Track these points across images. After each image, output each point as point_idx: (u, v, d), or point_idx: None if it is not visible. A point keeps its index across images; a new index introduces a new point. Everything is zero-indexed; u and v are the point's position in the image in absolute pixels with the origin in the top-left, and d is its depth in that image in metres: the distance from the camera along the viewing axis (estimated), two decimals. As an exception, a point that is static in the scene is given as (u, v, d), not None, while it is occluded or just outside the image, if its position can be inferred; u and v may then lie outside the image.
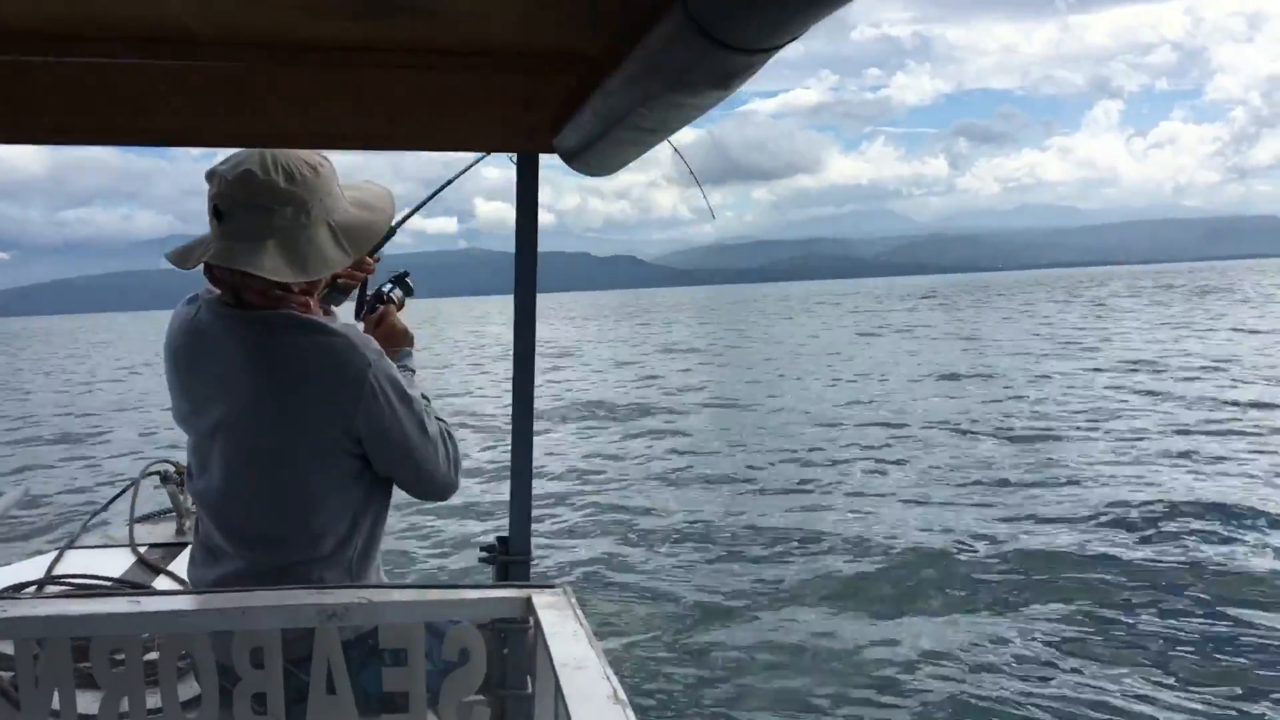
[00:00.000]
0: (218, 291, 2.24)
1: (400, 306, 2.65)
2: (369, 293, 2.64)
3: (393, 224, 2.56)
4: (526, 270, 2.40)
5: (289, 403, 2.15)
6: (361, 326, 2.47)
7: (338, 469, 2.19)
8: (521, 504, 2.45)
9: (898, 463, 11.90)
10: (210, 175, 2.17)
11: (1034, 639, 6.05)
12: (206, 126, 2.18)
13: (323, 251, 2.19)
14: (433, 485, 2.34)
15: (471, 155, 2.65)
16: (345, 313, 2.52)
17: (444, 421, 2.38)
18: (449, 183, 2.97)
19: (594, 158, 2.03)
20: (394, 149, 2.33)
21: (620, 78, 1.57)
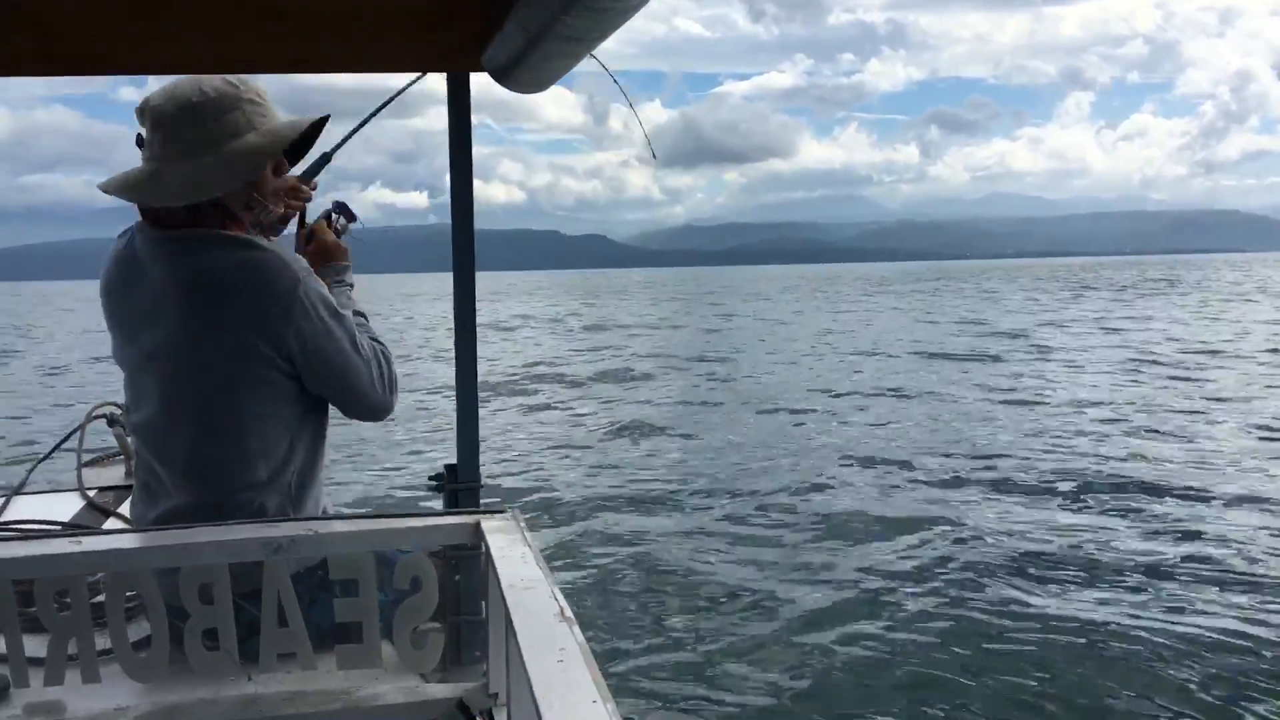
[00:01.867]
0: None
1: (342, 232, 2.59)
2: (309, 222, 2.56)
3: (330, 149, 2.57)
4: (463, 197, 2.36)
5: (217, 322, 2.11)
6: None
7: (270, 390, 2.16)
8: (468, 431, 2.43)
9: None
10: (142, 108, 2.15)
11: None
12: (116, 52, 2.12)
13: (215, 175, 2.12)
14: (366, 404, 2.30)
15: (405, 77, 2.57)
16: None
17: (380, 342, 2.35)
18: (387, 102, 2.87)
19: (524, 73, 1.98)
20: (314, 71, 2.27)
21: None
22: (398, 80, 2.51)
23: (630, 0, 1.39)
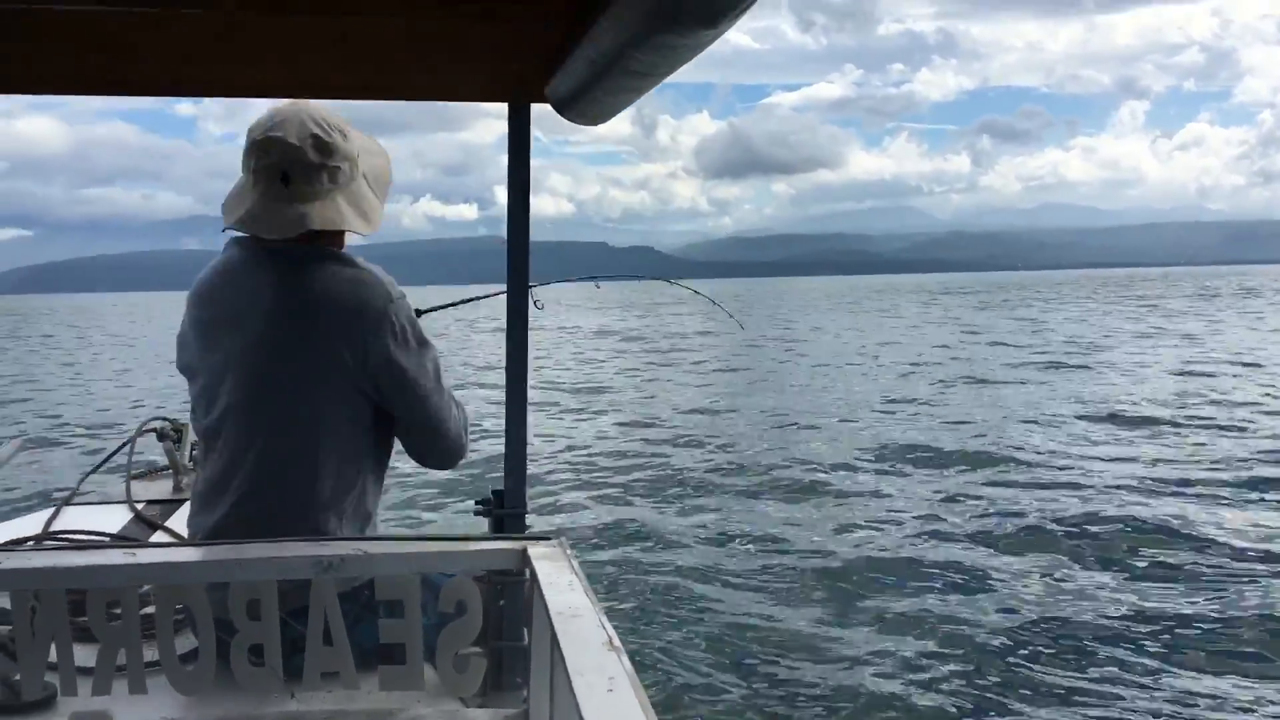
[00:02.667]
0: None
1: None
2: None
3: (424, 308, 2.68)
4: (519, 224, 2.37)
5: (307, 331, 2.14)
6: None
7: (348, 409, 2.18)
8: (516, 458, 2.44)
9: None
10: (265, 142, 2.14)
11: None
12: (189, 76, 2.15)
13: (372, 201, 2.26)
14: (441, 439, 2.32)
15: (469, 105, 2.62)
16: None
17: (453, 392, 2.38)
18: (468, 301, 3.60)
19: (587, 105, 1.99)
20: (382, 99, 2.30)
21: (608, 21, 1.55)
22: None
23: (700, 38, 1.39)
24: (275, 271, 2.17)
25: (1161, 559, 7.21)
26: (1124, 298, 67.55)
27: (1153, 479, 9.84)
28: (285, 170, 2.13)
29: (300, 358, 2.14)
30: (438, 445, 2.32)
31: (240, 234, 2.25)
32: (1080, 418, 13.92)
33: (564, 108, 2.13)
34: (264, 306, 2.15)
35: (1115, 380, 18.56)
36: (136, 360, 30.51)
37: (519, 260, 2.40)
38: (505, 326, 2.42)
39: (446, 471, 2.76)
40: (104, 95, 2.20)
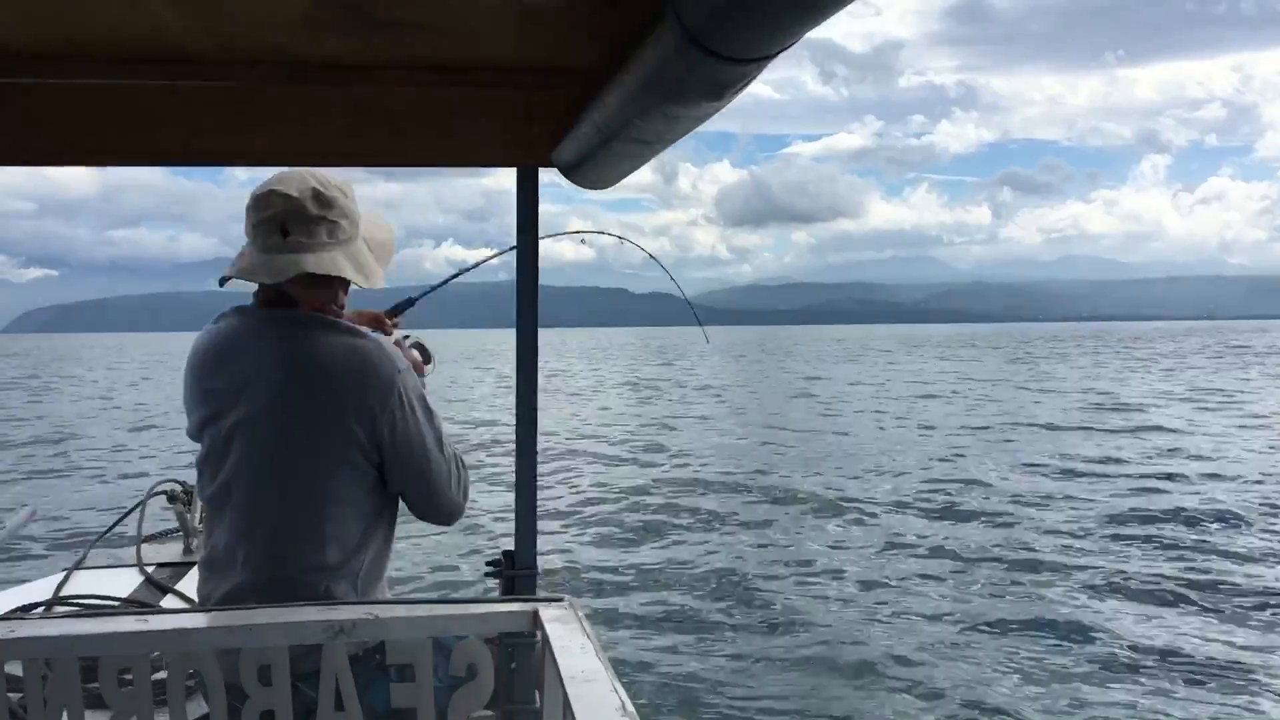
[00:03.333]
0: (248, 305, 2.26)
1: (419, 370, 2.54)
2: None
3: (417, 295, 2.77)
4: (528, 285, 2.39)
5: (314, 400, 2.13)
6: None
7: (354, 475, 2.16)
8: (527, 518, 2.45)
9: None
10: (266, 196, 2.13)
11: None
12: (205, 145, 2.19)
13: (371, 262, 2.25)
14: (441, 504, 2.30)
15: (486, 250, 2.70)
16: None
17: (456, 449, 2.35)
18: (469, 269, 3.16)
19: (592, 171, 2.04)
20: (394, 165, 2.33)
21: (616, 91, 1.59)
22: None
23: (705, 109, 1.42)
24: (279, 339, 2.16)
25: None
26: (1160, 354, 66.15)
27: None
28: (284, 222, 2.11)
29: (307, 428, 2.13)
30: (435, 503, 2.30)
31: (240, 304, 2.26)
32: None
33: (570, 173, 2.16)
34: (269, 375, 2.14)
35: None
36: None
37: (528, 316, 2.41)
38: (515, 390, 2.42)
39: (455, 527, 2.43)
40: (122, 165, 2.21)
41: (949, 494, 13.01)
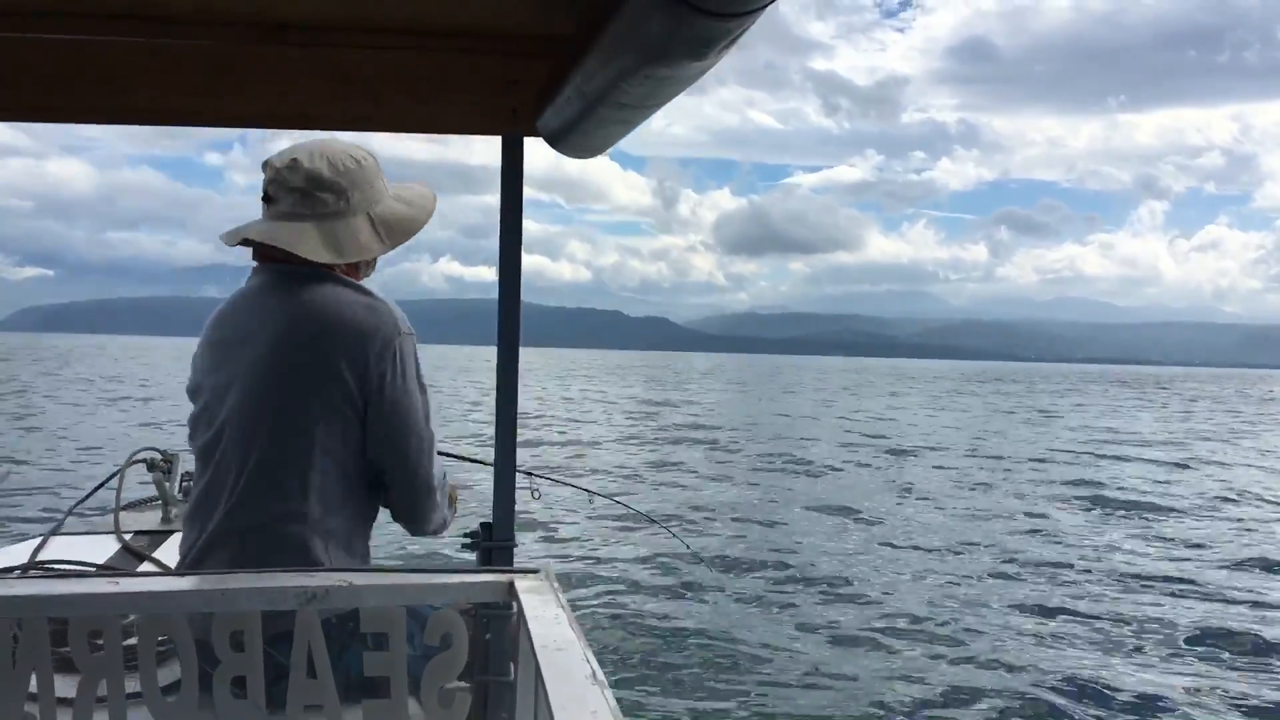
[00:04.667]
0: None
1: None
2: None
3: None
4: (511, 261, 2.36)
5: (313, 346, 2.15)
6: None
7: (342, 427, 2.17)
8: (504, 491, 2.42)
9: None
10: (265, 164, 2.23)
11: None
12: (185, 105, 2.19)
13: (359, 238, 2.24)
14: (421, 492, 2.28)
15: (462, 141, 2.97)
16: None
17: (443, 468, 2.39)
18: None
19: (578, 139, 2.02)
20: (376, 130, 2.31)
21: (598, 54, 1.57)
22: (459, 141, 2.64)
23: (689, 70, 1.40)
24: (289, 293, 2.20)
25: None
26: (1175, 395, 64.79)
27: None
28: (267, 190, 2.21)
29: (302, 371, 2.15)
30: (415, 496, 2.29)
31: (265, 260, 2.29)
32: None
33: (555, 140, 2.14)
34: (273, 324, 2.18)
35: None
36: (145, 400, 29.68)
37: (510, 296, 2.38)
38: (495, 364, 2.39)
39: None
40: (97, 124, 2.19)
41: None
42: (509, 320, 2.40)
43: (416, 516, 2.36)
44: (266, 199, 2.23)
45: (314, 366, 2.16)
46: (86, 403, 31.56)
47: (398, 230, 2.34)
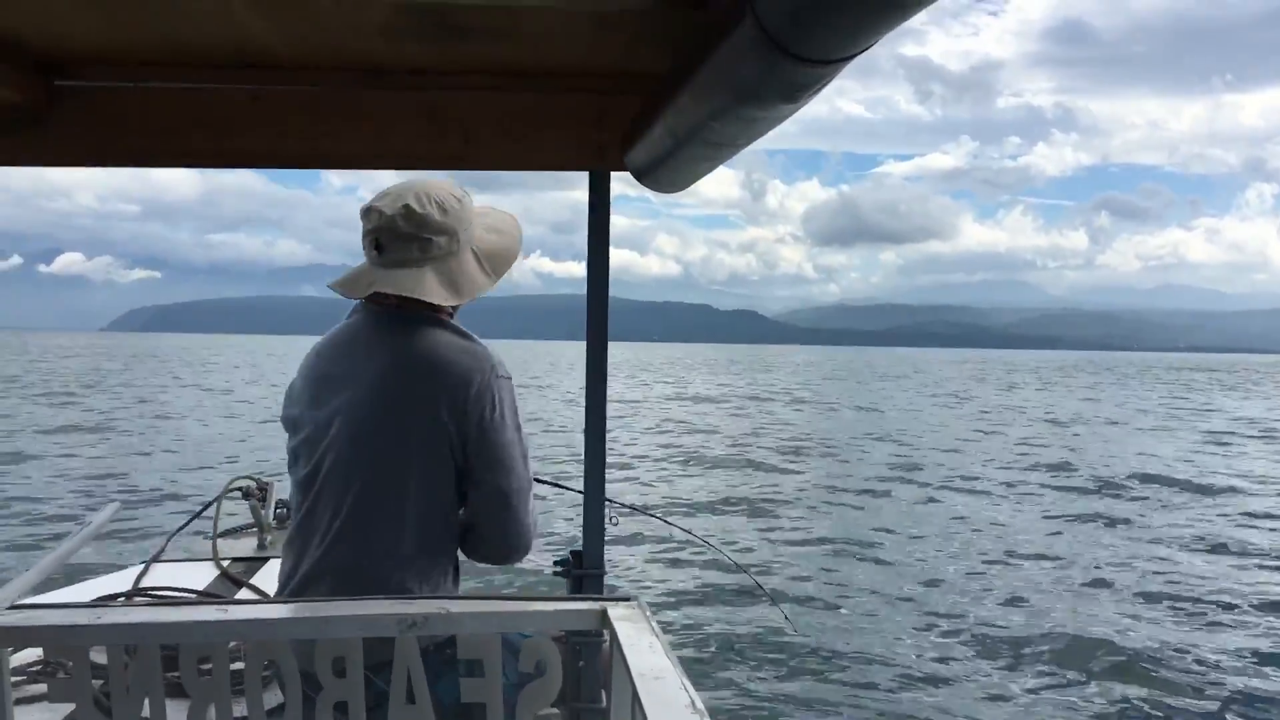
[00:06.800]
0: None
1: None
2: None
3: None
4: (599, 290, 2.42)
5: (411, 391, 2.18)
6: None
7: (439, 468, 2.20)
8: (594, 518, 2.48)
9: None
10: (367, 211, 2.22)
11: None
12: (289, 149, 2.29)
13: (471, 275, 2.29)
14: (515, 528, 2.27)
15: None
16: None
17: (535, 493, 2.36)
18: None
19: (665, 174, 2.08)
20: (469, 169, 2.38)
21: (690, 93, 1.60)
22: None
23: (780, 111, 1.42)
24: (391, 334, 2.23)
25: None
26: None
27: None
28: (378, 238, 2.20)
29: (402, 413, 2.18)
30: (505, 531, 2.27)
31: (366, 299, 2.30)
32: None
33: (642, 175, 2.20)
34: (376, 365, 2.20)
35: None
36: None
37: (598, 318, 2.42)
38: (585, 394, 2.44)
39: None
40: (205, 168, 2.27)
41: None
42: (597, 355, 2.45)
43: (507, 554, 2.34)
44: (378, 247, 2.22)
45: (414, 408, 2.19)
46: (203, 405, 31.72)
47: (499, 262, 2.36)
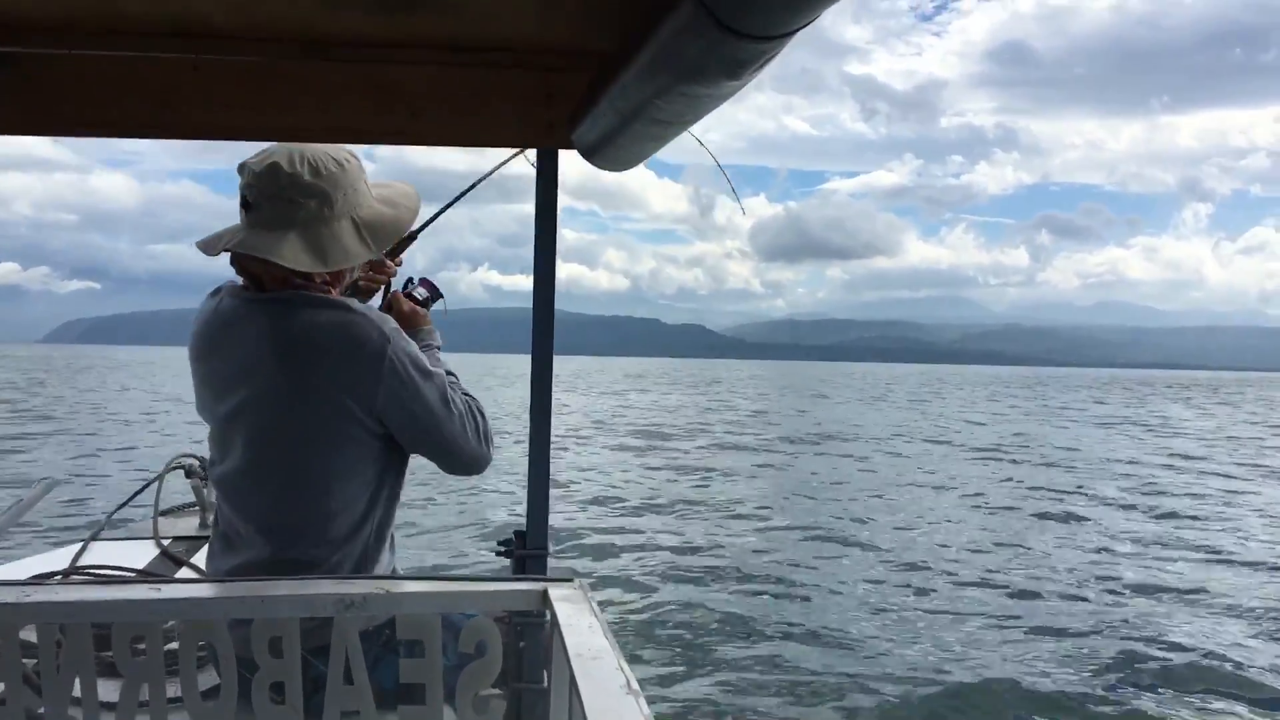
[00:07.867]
0: (240, 282, 2.26)
1: (426, 305, 2.59)
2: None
3: (416, 228, 2.55)
4: (545, 271, 2.38)
5: (308, 381, 2.13)
6: None
7: (355, 448, 2.18)
8: (538, 499, 2.45)
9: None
10: (241, 168, 2.19)
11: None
12: (228, 121, 2.23)
13: (343, 244, 2.20)
14: (461, 458, 2.31)
15: (497, 155, 2.64)
16: None
17: (471, 397, 2.36)
18: (474, 186, 2.92)
19: (613, 152, 2.07)
20: (414, 144, 2.33)
21: (635, 70, 1.61)
22: (495, 151, 2.56)
23: (724, 88, 1.44)
24: (268, 319, 2.17)
25: None
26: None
27: None
28: (245, 195, 2.16)
29: (303, 405, 2.14)
30: (456, 459, 2.31)
31: (233, 280, 2.28)
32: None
33: (590, 154, 2.19)
34: (264, 358, 2.15)
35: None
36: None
37: (544, 306, 2.41)
38: (530, 374, 2.40)
39: (469, 512, 2.46)
40: (142, 138, 2.23)
41: None
42: (543, 330, 2.42)
43: (467, 473, 2.40)
44: (245, 205, 2.18)
45: (314, 400, 2.15)
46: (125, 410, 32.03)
47: (382, 234, 2.30)
